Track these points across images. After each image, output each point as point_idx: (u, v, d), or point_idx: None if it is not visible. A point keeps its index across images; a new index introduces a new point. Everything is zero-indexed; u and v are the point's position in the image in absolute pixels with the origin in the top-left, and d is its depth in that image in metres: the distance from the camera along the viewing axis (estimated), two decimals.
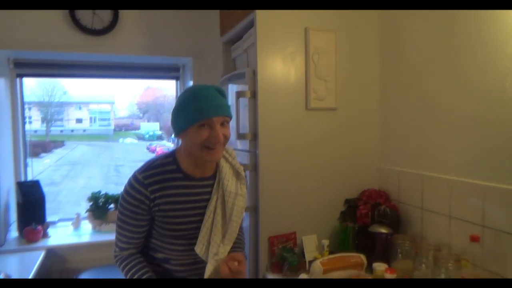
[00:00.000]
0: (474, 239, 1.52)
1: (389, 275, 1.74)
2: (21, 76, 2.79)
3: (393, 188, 2.16)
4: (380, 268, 1.81)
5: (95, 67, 2.92)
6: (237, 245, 1.51)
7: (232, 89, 2.36)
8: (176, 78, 3.11)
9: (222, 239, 1.41)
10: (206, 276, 1.38)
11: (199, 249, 1.39)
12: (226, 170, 1.44)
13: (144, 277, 1.35)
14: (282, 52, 2.07)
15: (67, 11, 2.58)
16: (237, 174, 1.47)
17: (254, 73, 2.07)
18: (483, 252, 1.55)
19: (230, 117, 1.35)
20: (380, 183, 2.26)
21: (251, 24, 2.12)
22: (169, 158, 1.39)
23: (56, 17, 2.58)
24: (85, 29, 2.62)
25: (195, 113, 1.28)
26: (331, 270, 1.69)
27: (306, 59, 2.10)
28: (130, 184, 1.34)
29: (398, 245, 1.86)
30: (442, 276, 1.59)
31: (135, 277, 1.35)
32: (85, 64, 2.89)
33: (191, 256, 1.42)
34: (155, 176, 1.33)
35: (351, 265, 1.75)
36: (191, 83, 2.89)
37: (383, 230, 1.97)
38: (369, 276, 1.73)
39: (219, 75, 2.66)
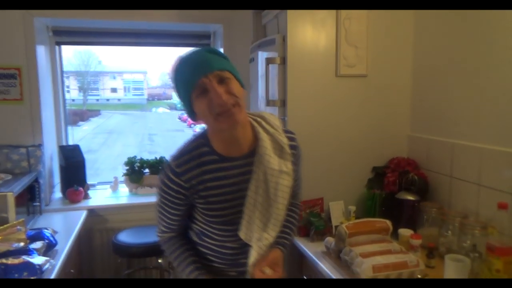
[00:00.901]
0: (502, 206, 1.51)
1: (414, 241, 1.77)
2: (59, 44, 2.90)
3: (422, 156, 2.14)
4: (405, 233, 1.84)
5: (128, 35, 2.99)
6: (285, 232, 1.36)
7: (262, 56, 2.36)
8: (208, 46, 3.14)
9: (266, 223, 1.25)
10: (250, 262, 1.26)
11: (243, 234, 1.25)
12: (267, 145, 1.23)
13: (188, 264, 1.30)
14: (312, 18, 2.05)
15: None
16: (280, 149, 1.25)
17: (284, 39, 2.07)
18: (511, 220, 1.55)
19: (229, 71, 1.14)
20: (409, 151, 2.25)
21: None
22: (201, 139, 1.25)
23: None
24: None
25: (184, 84, 1.14)
26: (356, 234, 1.73)
27: (337, 24, 2.07)
28: (164, 173, 1.24)
29: (425, 212, 1.88)
30: (468, 243, 1.61)
31: (177, 262, 1.32)
32: (118, 32, 2.96)
33: (239, 241, 1.28)
34: (189, 163, 1.21)
35: (376, 229, 1.78)
36: (222, 50, 2.91)
37: (410, 197, 1.98)
38: (394, 242, 1.76)
39: (250, 42, 2.66)
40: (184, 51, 1.21)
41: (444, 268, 1.50)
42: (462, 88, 1.86)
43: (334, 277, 1.63)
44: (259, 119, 1.27)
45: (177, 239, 1.35)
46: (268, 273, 1.22)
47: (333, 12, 2.06)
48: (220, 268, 1.34)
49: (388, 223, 1.83)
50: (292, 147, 1.29)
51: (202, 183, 1.22)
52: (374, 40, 2.13)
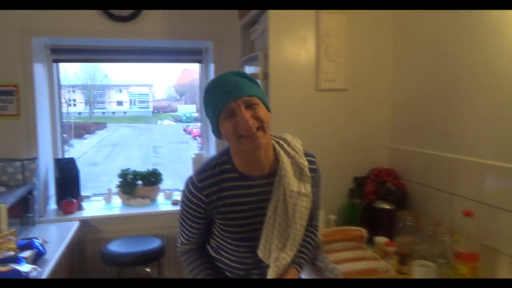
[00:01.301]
0: (467, 214, 1.57)
1: (389, 248, 1.83)
2: (57, 61, 3.02)
3: (402, 167, 2.21)
4: (381, 241, 1.91)
5: (123, 52, 3.11)
6: (302, 252, 1.38)
7: (249, 71, 2.46)
8: (200, 61, 3.25)
9: (284, 243, 1.29)
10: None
11: (261, 253, 1.29)
12: (287, 167, 1.27)
13: (201, 274, 1.35)
14: (293, 35, 2.15)
15: None
16: (300, 171, 1.30)
17: (266, 55, 2.16)
18: (478, 227, 1.61)
19: (257, 97, 1.19)
20: (390, 161, 2.31)
21: None
22: (224, 157, 1.30)
23: None
24: (113, 16, 2.79)
25: (213, 105, 1.19)
26: (332, 242, 1.80)
27: (317, 41, 2.17)
28: (187, 187, 1.29)
29: (401, 220, 1.93)
30: (438, 250, 1.66)
31: (193, 273, 1.36)
32: (114, 49, 3.08)
33: (255, 258, 1.32)
34: (210, 178, 1.26)
35: (352, 237, 1.85)
36: (212, 66, 3.01)
37: (387, 206, 2.04)
38: (368, 249, 1.82)
39: (239, 57, 2.77)
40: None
41: (412, 274, 1.56)
42: (438, 102, 1.93)
43: None
44: (281, 142, 1.33)
45: (195, 252, 1.40)
46: None
47: (313, 29, 2.15)
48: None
49: (363, 231, 1.90)
50: (312, 170, 1.34)
51: (222, 199, 1.26)
52: (353, 56, 2.22)
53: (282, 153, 1.29)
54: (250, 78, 1.25)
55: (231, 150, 1.30)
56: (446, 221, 1.84)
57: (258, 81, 2.19)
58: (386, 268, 1.63)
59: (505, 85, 1.54)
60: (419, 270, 1.55)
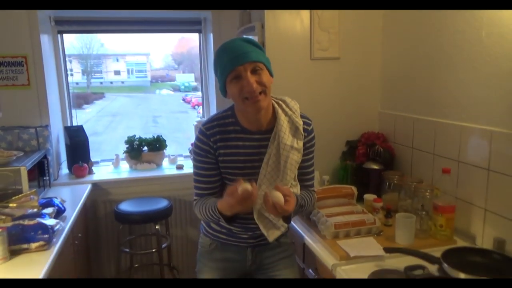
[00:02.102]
0: (445, 171, 1.75)
1: (376, 204, 2.02)
2: (61, 32, 3.12)
3: (391, 130, 2.37)
4: (369, 198, 2.09)
5: (125, 23, 3.20)
6: (299, 196, 1.50)
7: None
8: (199, 31, 3.35)
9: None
10: (255, 215, 1.44)
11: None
12: (284, 124, 1.43)
13: (210, 205, 1.41)
14: None
15: None
16: (295, 129, 1.45)
17: (263, 26, 2.28)
18: (454, 183, 1.79)
19: (262, 62, 1.33)
20: (379, 126, 2.48)
21: None
22: (228, 112, 1.47)
23: None
24: None
25: (222, 68, 1.33)
26: (324, 199, 1.99)
27: (311, 12, 2.28)
28: (196, 137, 1.48)
29: (388, 179, 2.12)
30: (420, 204, 1.85)
31: (205, 210, 1.44)
32: (117, 20, 3.17)
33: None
34: (216, 127, 1.43)
35: (342, 194, 2.03)
36: (211, 35, 3.12)
37: (375, 167, 2.23)
38: (358, 205, 2.01)
39: (236, 27, 2.87)
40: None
41: (396, 225, 1.76)
42: (424, 70, 2.07)
43: (306, 237, 1.87)
44: (280, 102, 1.49)
45: (206, 199, 1.49)
46: (280, 208, 1.27)
47: None
48: (236, 232, 1.56)
49: (353, 188, 2.08)
50: (305, 130, 1.49)
51: (226, 148, 1.44)
52: (345, 25, 2.34)
53: (280, 111, 1.45)
54: (257, 45, 1.38)
55: (235, 107, 1.46)
56: (428, 179, 2.03)
57: None
58: (372, 220, 1.82)
59: (483, 53, 1.68)
60: (401, 221, 1.73)
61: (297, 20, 2.27)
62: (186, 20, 3.26)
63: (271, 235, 1.50)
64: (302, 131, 1.47)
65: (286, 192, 1.30)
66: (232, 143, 1.44)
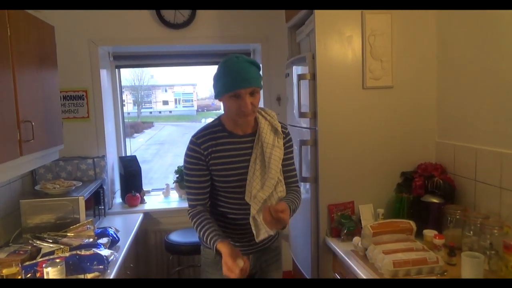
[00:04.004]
0: None
1: (437, 241, 1.89)
2: (118, 67, 3.29)
3: (449, 161, 2.25)
4: (429, 234, 1.97)
5: (177, 56, 3.34)
6: (288, 199, 1.65)
7: (296, 71, 2.58)
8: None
9: (262, 186, 1.59)
10: (251, 214, 1.60)
11: (248, 198, 1.60)
12: (265, 126, 1.65)
13: (209, 233, 1.54)
14: (339, 36, 2.24)
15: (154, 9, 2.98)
16: (275, 130, 1.66)
17: (314, 56, 2.27)
18: None
19: (259, 87, 1.54)
20: (437, 156, 2.36)
21: (312, 11, 2.31)
22: (216, 121, 1.67)
23: (145, 16, 3.01)
24: (169, 24, 3.02)
25: (226, 85, 1.50)
26: (380, 234, 1.89)
27: (363, 41, 2.24)
28: (188, 147, 1.63)
29: (449, 214, 1.99)
30: (488, 242, 1.71)
31: (202, 232, 1.57)
32: (169, 54, 3.31)
33: (244, 211, 1.62)
34: (205, 136, 1.61)
35: (400, 229, 1.92)
36: (260, 66, 3.16)
37: (435, 200, 2.10)
38: (417, 241, 1.89)
39: (285, 58, 2.89)
40: None
41: (461, 265, 1.63)
42: (484, 96, 1.97)
43: (361, 273, 1.78)
44: (260, 110, 1.68)
45: (202, 214, 1.62)
46: (277, 215, 1.42)
47: (359, 29, 2.24)
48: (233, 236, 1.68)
49: (412, 223, 1.97)
50: (283, 132, 1.70)
51: (215, 152, 1.60)
52: (398, 54, 2.27)
53: (260, 117, 1.67)
54: (257, 66, 1.57)
55: (222, 117, 1.67)
56: (495, 214, 1.88)
57: (306, 81, 2.32)
58: (435, 259, 1.69)
59: None
60: (468, 261, 1.60)
61: (349, 50, 2.25)
62: (235, 51, 3.33)
63: (261, 236, 1.63)
64: (281, 132, 1.68)
65: (280, 208, 1.44)
66: (222, 147, 1.62)
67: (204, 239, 1.56)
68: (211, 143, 1.61)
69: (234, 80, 1.49)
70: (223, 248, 1.46)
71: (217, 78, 1.57)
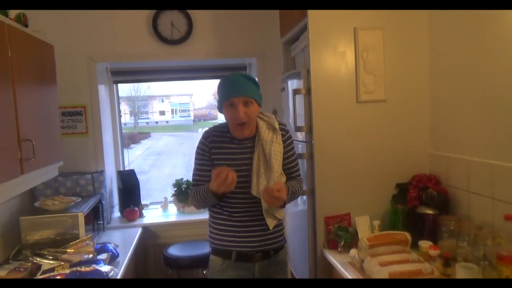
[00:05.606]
0: (508, 218, 1.65)
1: (432, 252, 1.92)
2: (116, 82, 3.33)
3: (443, 173, 2.29)
4: (424, 245, 2.00)
5: (174, 71, 3.38)
6: (289, 184, 1.83)
7: (291, 86, 2.63)
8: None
9: (268, 180, 1.73)
10: (264, 208, 1.75)
11: (254, 192, 1.73)
12: (263, 126, 1.80)
13: (203, 188, 1.74)
14: (333, 52, 2.29)
15: (151, 26, 3.03)
16: (273, 128, 1.81)
17: (308, 71, 2.32)
18: None
19: (253, 98, 1.69)
20: (431, 168, 2.40)
21: (306, 27, 2.36)
22: (224, 123, 1.85)
23: (142, 33, 3.06)
24: (165, 40, 3.07)
25: (222, 95, 1.71)
26: (376, 245, 1.92)
27: (356, 56, 2.30)
28: (199, 140, 1.84)
29: (444, 225, 2.02)
30: (481, 253, 1.75)
31: (198, 192, 1.76)
32: (166, 69, 3.36)
33: (248, 204, 1.77)
34: (213, 132, 1.82)
35: (396, 241, 1.96)
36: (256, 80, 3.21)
37: (429, 211, 2.13)
38: (413, 252, 1.92)
39: (281, 73, 2.94)
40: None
41: (456, 276, 1.66)
42: (476, 109, 2.01)
43: None
44: (259, 114, 1.82)
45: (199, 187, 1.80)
46: (272, 193, 1.61)
47: (352, 45, 2.29)
48: (242, 234, 1.80)
49: (407, 235, 2.00)
50: (283, 130, 1.85)
51: (217, 149, 1.79)
52: (390, 68, 2.33)
53: (259, 119, 1.82)
54: (254, 81, 1.76)
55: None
56: (488, 225, 1.91)
57: (301, 95, 2.36)
58: (430, 270, 1.73)
59: None
60: (462, 272, 1.63)
61: (342, 65, 2.30)
62: (232, 66, 3.39)
63: (270, 223, 1.78)
64: (279, 129, 1.82)
65: (276, 188, 1.62)
66: (225, 145, 1.79)
67: (200, 194, 1.74)
68: (214, 139, 1.80)
69: (229, 90, 1.69)
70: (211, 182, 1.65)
71: (218, 91, 1.75)
